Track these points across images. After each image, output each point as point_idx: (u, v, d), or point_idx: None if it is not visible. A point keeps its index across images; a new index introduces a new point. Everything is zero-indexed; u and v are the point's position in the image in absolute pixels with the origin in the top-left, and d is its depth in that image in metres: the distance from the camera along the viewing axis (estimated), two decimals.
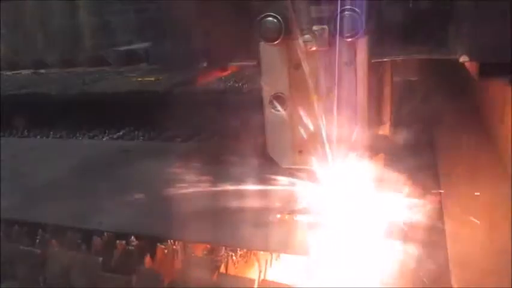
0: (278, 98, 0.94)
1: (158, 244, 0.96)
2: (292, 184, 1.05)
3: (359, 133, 0.92)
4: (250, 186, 1.15)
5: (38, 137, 2.06)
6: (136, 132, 1.93)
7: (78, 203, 1.17)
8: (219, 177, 1.22)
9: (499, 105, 1.15)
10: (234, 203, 1.10)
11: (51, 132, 2.08)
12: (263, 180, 1.12)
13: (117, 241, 0.99)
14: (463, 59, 0.81)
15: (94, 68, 1.71)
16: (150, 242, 0.98)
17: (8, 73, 2.18)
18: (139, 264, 0.92)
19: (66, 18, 1.57)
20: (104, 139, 1.95)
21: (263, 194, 1.11)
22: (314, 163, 0.97)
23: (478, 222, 0.91)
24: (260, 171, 1.14)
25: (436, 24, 0.89)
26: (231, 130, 1.48)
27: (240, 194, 1.13)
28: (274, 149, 1.00)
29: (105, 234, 1.03)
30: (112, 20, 1.35)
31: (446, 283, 0.79)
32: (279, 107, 0.95)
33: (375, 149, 0.97)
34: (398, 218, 0.98)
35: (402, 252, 0.90)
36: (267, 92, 0.95)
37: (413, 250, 0.89)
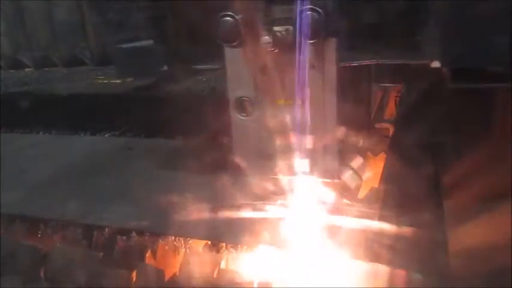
0: (243, 102, 0.90)
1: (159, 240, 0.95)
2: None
3: (328, 139, 0.87)
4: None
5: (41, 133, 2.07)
6: None
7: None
8: None
9: None
10: None
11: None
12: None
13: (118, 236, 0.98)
14: (435, 64, 0.76)
15: None
16: (151, 238, 0.97)
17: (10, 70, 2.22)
18: (140, 259, 0.92)
19: None
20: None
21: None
22: (282, 171, 0.92)
23: None
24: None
25: (408, 28, 0.85)
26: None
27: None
28: (241, 156, 0.95)
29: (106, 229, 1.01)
30: None
31: None
32: (244, 112, 0.90)
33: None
34: None
35: None
36: (232, 96, 0.90)
37: None
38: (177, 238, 0.97)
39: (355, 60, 0.84)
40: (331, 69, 0.82)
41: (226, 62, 0.88)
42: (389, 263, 0.82)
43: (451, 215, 0.92)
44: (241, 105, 0.90)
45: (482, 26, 0.70)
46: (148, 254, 0.94)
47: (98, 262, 0.94)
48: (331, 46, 0.80)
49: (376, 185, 1.06)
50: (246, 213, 0.98)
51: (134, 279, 0.90)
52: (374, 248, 0.86)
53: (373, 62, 0.84)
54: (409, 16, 0.82)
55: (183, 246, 0.96)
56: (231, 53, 0.86)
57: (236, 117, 0.91)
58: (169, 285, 0.89)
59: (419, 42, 0.82)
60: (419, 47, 0.82)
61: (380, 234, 0.89)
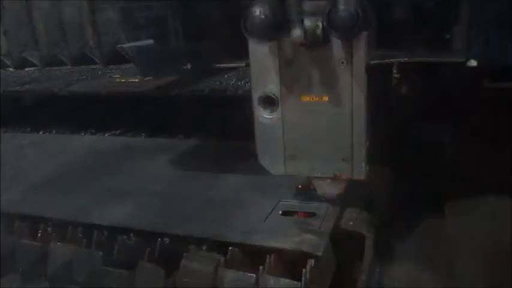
0: (268, 99, 0.87)
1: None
2: None
3: (357, 137, 0.84)
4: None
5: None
6: None
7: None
8: None
9: None
10: None
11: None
12: None
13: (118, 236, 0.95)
14: (471, 63, 0.74)
15: None
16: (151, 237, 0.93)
17: (11, 69, 2.18)
18: (140, 258, 0.89)
19: None
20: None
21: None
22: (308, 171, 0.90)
23: None
24: None
25: (443, 27, 0.85)
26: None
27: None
28: (264, 155, 0.92)
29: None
30: None
31: None
32: (269, 109, 0.88)
33: None
34: None
35: None
36: (256, 93, 0.88)
37: None
38: None
39: (386, 59, 0.82)
40: (361, 65, 0.80)
41: (251, 57, 0.85)
42: None
43: None
44: (265, 102, 0.87)
45: None
46: None
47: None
48: (362, 42, 0.78)
49: None
50: None
51: None
52: None
53: (405, 60, 0.81)
54: (445, 14, 0.81)
55: None
56: (256, 48, 0.84)
57: (260, 115, 0.88)
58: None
59: (454, 40, 0.81)
60: (453, 46, 0.81)
61: None
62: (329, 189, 0.92)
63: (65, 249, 0.95)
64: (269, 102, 0.87)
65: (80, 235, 0.98)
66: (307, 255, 0.80)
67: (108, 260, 0.92)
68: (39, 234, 1.02)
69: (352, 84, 0.81)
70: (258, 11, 0.75)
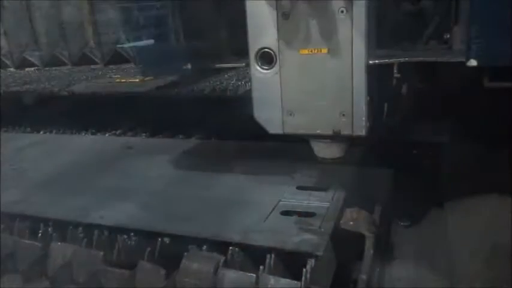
0: (265, 53, 0.84)
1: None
2: None
3: (357, 90, 0.81)
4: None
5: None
6: None
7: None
8: None
9: None
10: None
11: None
12: None
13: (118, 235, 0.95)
14: (471, 63, 0.73)
15: None
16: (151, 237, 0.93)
17: (11, 69, 2.18)
18: (140, 258, 0.88)
19: None
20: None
21: None
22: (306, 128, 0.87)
23: None
24: None
25: (443, 27, 0.85)
26: None
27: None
28: (261, 112, 0.89)
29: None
30: None
31: None
32: (265, 65, 0.85)
33: None
34: None
35: None
36: (253, 48, 0.85)
37: None
38: None
39: (388, 58, 0.81)
40: (361, 14, 0.77)
41: (247, 12, 0.83)
42: None
43: None
44: (262, 57, 0.85)
45: None
46: None
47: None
48: None
49: None
50: None
51: None
52: None
53: (405, 60, 0.80)
54: (445, 14, 0.82)
55: None
56: (253, 2, 0.82)
57: (257, 70, 0.86)
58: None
59: (454, 40, 0.82)
60: (454, 46, 0.82)
61: None
62: (329, 152, 0.90)
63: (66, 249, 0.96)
64: (266, 56, 0.84)
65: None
66: (307, 255, 0.80)
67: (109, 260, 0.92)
68: (40, 234, 1.02)
69: (352, 33, 0.78)
70: None
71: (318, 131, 0.87)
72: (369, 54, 0.79)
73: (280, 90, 0.86)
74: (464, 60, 0.73)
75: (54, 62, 1.88)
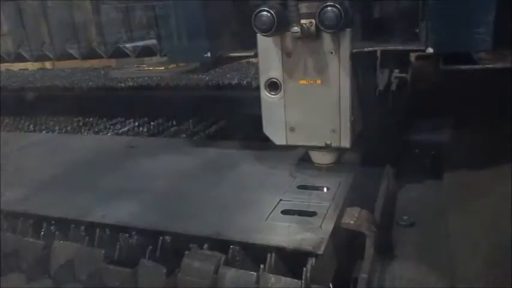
0: (272, 82, 1.08)
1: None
2: None
3: (343, 112, 1.05)
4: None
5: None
6: None
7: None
8: None
9: None
10: None
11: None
12: None
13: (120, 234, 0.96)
14: (429, 50, 0.93)
15: None
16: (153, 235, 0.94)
17: (14, 69, 2.20)
18: (142, 256, 0.89)
19: None
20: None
21: None
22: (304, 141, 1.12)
23: None
24: None
25: (410, 21, 1.08)
26: None
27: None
28: (269, 128, 1.13)
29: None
30: None
31: None
32: (273, 91, 1.09)
33: None
34: None
35: None
36: (263, 78, 1.09)
37: None
38: None
39: (364, 47, 1.01)
40: (346, 55, 1.00)
41: (259, 49, 1.07)
42: None
43: None
44: (270, 85, 1.09)
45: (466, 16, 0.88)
46: None
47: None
48: (347, 36, 0.99)
49: None
50: None
51: None
52: None
53: (379, 48, 0.99)
54: (411, 10, 1.06)
55: None
56: (263, 41, 1.05)
57: (265, 95, 1.11)
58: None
59: (418, 33, 1.04)
60: (418, 37, 1.03)
61: None
62: (323, 158, 1.15)
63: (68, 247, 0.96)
64: (273, 85, 1.09)
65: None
66: (308, 254, 0.80)
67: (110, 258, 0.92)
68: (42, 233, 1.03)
69: (339, 69, 1.01)
70: (265, 13, 0.94)
71: (314, 143, 1.11)
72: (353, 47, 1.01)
73: (284, 111, 1.10)
74: (424, 48, 0.94)
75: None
